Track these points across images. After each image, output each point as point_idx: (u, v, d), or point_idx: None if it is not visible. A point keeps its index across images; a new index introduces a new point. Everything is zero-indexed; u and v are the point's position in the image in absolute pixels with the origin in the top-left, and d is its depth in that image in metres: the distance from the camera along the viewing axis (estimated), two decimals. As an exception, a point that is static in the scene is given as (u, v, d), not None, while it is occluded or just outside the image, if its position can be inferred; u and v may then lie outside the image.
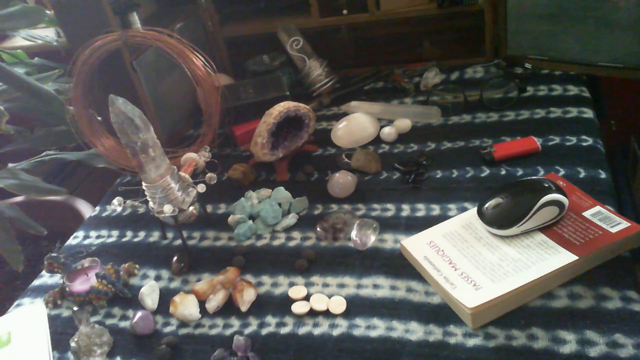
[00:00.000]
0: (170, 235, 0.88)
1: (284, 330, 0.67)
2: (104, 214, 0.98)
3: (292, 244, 0.80)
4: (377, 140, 0.98)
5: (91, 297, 0.77)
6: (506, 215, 0.69)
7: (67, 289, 0.79)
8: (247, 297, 0.71)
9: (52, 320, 0.77)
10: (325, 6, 1.15)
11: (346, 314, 0.67)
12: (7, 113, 1.04)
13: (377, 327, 0.64)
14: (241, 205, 0.86)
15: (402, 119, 0.99)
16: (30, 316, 0.76)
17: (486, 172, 0.84)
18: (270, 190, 0.89)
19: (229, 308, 0.72)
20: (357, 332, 0.64)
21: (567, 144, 0.85)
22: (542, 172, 0.81)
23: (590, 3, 0.93)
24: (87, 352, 0.69)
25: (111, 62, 0.97)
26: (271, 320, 0.69)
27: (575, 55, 0.99)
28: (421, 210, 0.80)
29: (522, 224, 0.68)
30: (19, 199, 1.43)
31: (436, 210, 0.79)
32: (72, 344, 0.69)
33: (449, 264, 0.67)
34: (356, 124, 0.98)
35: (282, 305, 0.70)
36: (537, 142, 0.85)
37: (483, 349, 0.59)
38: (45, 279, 0.86)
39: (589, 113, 0.91)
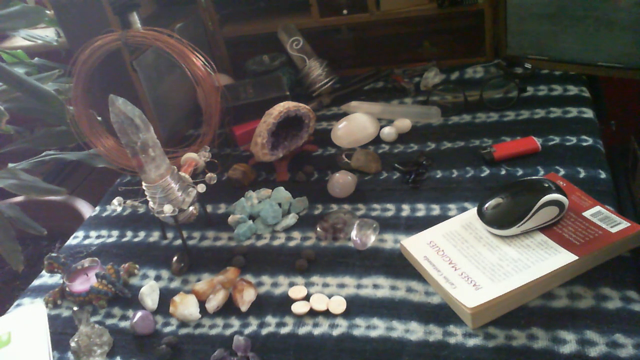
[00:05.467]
0: (170, 235, 0.88)
1: (284, 330, 0.67)
2: (104, 214, 0.98)
3: (292, 244, 0.80)
4: (377, 140, 0.98)
5: (91, 297, 0.77)
6: (506, 215, 0.69)
7: (67, 289, 0.79)
8: (247, 297, 0.71)
9: (52, 320, 0.77)
10: (325, 6, 1.15)
11: (346, 314, 0.67)
12: (7, 113, 1.04)
13: (377, 327, 0.64)
14: (241, 205, 0.86)
15: (402, 119, 0.99)
16: (30, 316, 0.76)
17: (486, 172, 0.84)
18: (270, 190, 0.89)
19: (229, 308, 0.72)
20: (357, 332, 0.64)
21: (567, 144, 0.85)
22: (542, 172, 0.81)
23: (590, 3, 0.93)
24: (87, 352, 0.69)
25: (111, 62, 0.97)
26: (271, 320, 0.69)
27: (575, 55, 0.99)
28: (421, 210, 0.80)
29: (522, 224, 0.68)
30: (19, 199, 1.43)
31: (436, 210, 0.79)
32: (72, 344, 0.69)
33: (449, 264, 0.67)
34: (356, 124, 0.98)
35: (282, 305, 0.70)
36: (537, 142, 0.85)
37: (483, 349, 0.59)
38: (45, 279, 0.86)
39: (589, 113, 0.91)
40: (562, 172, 0.80)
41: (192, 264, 0.81)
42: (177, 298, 0.72)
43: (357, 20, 1.15)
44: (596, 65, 0.97)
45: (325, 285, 0.72)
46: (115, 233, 0.92)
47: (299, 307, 0.69)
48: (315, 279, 0.73)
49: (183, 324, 0.71)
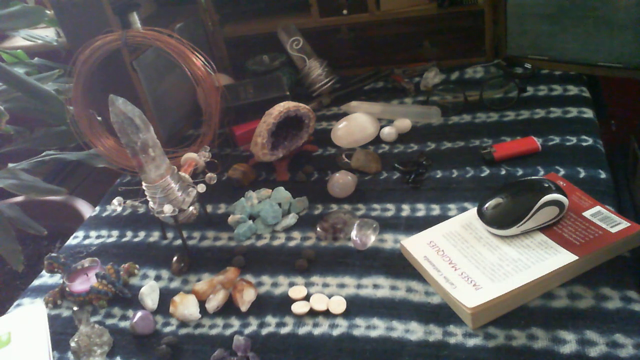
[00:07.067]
0: (170, 235, 0.88)
1: (284, 330, 0.67)
2: (104, 214, 0.98)
3: (292, 244, 0.80)
4: (377, 140, 0.98)
5: (91, 297, 0.77)
6: (506, 215, 0.69)
7: (67, 289, 0.79)
8: (247, 297, 0.71)
9: (52, 320, 0.77)
10: (325, 6, 1.15)
11: (346, 314, 0.67)
12: (7, 113, 1.04)
13: (377, 327, 0.64)
14: (241, 205, 0.86)
15: (402, 119, 0.99)
16: (30, 316, 0.76)
17: (486, 172, 0.84)
18: (270, 190, 0.89)
19: (229, 308, 0.72)
20: (357, 332, 0.64)
21: (567, 144, 0.85)
22: (542, 172, 0.81)
23: (590, 3, 0.93)
24: (87, 352, 0.69)
25: (111, 62, 0.97)
26: (271, 320, 0.69)
27: (575, 55, 0.99)
28: (421, 210, 0.80)
29: (522, 224, 0.68)
30: (19, 199, 1.43)
31: (436, 210, 0.79)
32: (72, 344, 0.69)
33: (449, 264, 0.67)
34: (356, 124, 0.98)
35: (282, 305, 0.70)
36: (537, 142, 0.85)
37: (483, 349, 0.59)
38: (45, 279, 0.86)
39: (589, 113, 0.91)
40: (562, 172, 0.80)
41: (192, 264, 0.81)
42: (177, 298, 0.72)
43: (357, 20, 1.15)
44: (596, 65, 0.97)
45: (325, 285, 0.72)
46: (115, 233, 0.92)
47: (299, 307, 0.69)
48: (315, 279, 0.73)
49: (183, 324, 0.71)
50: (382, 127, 0.98)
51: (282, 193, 0.86)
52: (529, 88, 0.99)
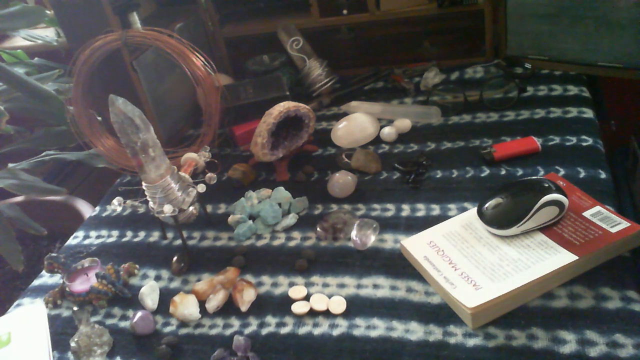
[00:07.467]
0: (170, 235, 0.88)
1: (284, 330, 0.67)
2: (104, 214, 0.98)
3: (292, 244, 0.80)
4: (377, 140, 0.98)
5: (91, 297, 0.77)
6: (506, 215, 0.69)
7: (67, 289, 0.79)
8: (247, 297, 0.71)
9: (52, 320, 0.77)
10: (325, 6, 1.15)
11: (346, 314, 0.67)
12: (7, 113, 1.04)
13: (377, 327, 0.64)
14: (241, 205, 0.86)
15: (402, 119, 0.99)
16: (30, 316, 0.76)
17: (486, 172, 0.84)
18: (270, 190, 0.89)
19: (229, 308, 0.72)
20: (357, 332, 0.64)
21: (567, 144, 0.85)
22: (542, 172, 0.81)
23: (590, 3, 0.93)
24: (87, 352, 0.69)
25: (111, 62, 0.97)
26: (271, 320, 0.69)
27: (575, 55, 0.99)
28: (421, 210, 0.80)
29: (522, 224, 0.68)
30: (19, 199, 1.43)
31: (436, 210, 0.79)
32: (72, 344, 0.69)
33: (449, 264, 0.67)
34: (356, 124, 0.98)
35: (282, 305, 0.70)
36: (537, 142, 0.85)
37: (483, 349, 0.59)
38: (45, 279, 0.86)
39: (589, 113, 0.91)
40: (562, 172, 0.80)
41: (192, 264, 0.81)
42: (177, 298, 0.72)
43: (357, 20, 1.15)
44: (596, 65, 0.97)
45: (325, 285, 0.72)
46: (115, 233, 0.92)
47: (299, 307, 0.69)
48: (315, 279, 0.73)
49: (183, 324, 0.71)
50: (382, 127, 0.98)
51: (282, 193, 0.86)
52: (529, 88, 0.99)
